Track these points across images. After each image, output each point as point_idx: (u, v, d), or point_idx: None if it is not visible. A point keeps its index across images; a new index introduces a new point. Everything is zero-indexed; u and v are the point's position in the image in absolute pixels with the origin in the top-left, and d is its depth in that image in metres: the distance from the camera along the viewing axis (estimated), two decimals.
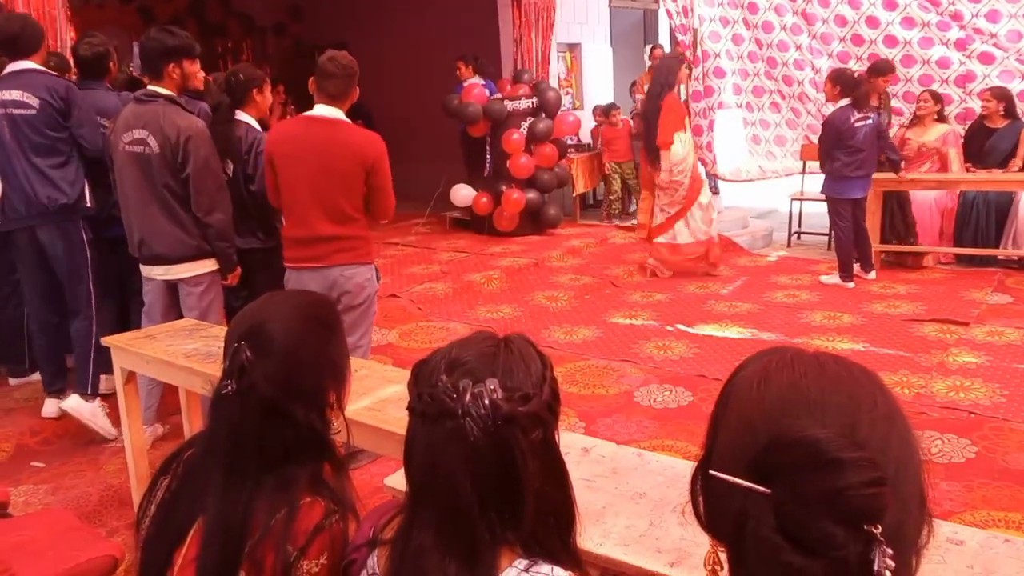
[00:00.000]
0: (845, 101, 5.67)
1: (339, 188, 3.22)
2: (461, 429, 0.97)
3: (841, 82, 5.72)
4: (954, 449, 3.36)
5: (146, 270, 3.55)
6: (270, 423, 1.27)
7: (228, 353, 1.31)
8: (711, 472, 0.77)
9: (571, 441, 2.08)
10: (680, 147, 6.10)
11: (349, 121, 3.29)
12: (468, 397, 0.98)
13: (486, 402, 0.98)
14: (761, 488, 0.71)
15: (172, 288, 3.57)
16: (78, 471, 3.61)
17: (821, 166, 6.00)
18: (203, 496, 1.26)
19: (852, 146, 5.62)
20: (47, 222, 3.79)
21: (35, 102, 3.67)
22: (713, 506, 0.79)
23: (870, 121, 5.63)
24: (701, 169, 6.98)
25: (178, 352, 2.80)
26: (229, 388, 1.28)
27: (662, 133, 6.01)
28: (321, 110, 3.25)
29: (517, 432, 0.99)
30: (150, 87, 3.39)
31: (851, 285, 5.92)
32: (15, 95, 3.66)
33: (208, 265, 3.53)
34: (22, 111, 3.67)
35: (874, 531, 0.67)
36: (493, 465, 0.98)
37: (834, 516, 0.68)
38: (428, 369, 1.05)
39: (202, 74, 3.75)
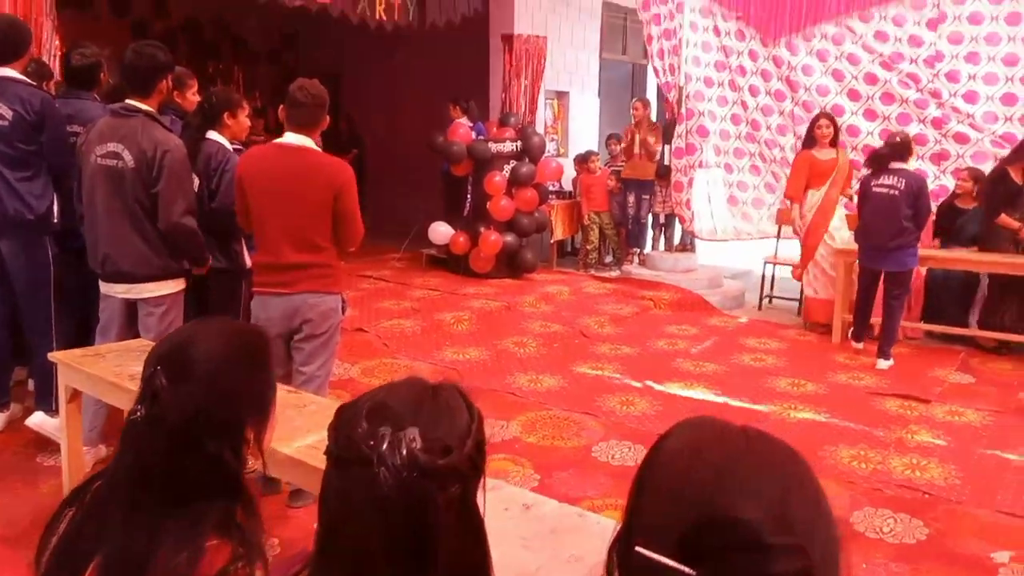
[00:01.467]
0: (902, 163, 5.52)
1: (307, 215, 3.20)
2: (375, 478, 0.92)
3: (900, 148, 5.58)
4: (906, 530, 3.33)
5: (105, 287, 3.48)
6: (180, 455, 1.18)
7: (144, 376, 1.23)
8: (637, 548, 0.74)
9: (513, 496, 2.04)
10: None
11: (318, 149, 3.28)
12: (385, 445, 0.93)
13: (403, 452, 0.93)
14: (687, 569, 0.69)
15: (131, 307, 3.50)
16: (12, 490, 3.49)
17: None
18: (105, 531, 1.18)
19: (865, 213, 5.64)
20: (11, 235, 3.72)
21: (8, 113, 3.61)
22: None
23: (894, 192, 5.40)
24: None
25: (125, 373, 2.73)
26: (139, 414, 1.19)
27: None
28: (290, 138, 3.23)
29: (433, 486, 0.94)
30: (129, 101, 3.34)
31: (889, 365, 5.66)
32: None
33: (171, 286, 3.48)
34: None
35: None
36: (405, 519, 0.93)
37: None
38: (350, 413, 0.99)
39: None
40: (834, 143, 6.56)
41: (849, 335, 6.08)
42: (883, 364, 5.62)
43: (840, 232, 6.52)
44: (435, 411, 0.99)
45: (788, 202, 6.91)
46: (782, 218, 7.51)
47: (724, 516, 0.70)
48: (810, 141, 6.59)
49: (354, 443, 0.95)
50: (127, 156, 3.26)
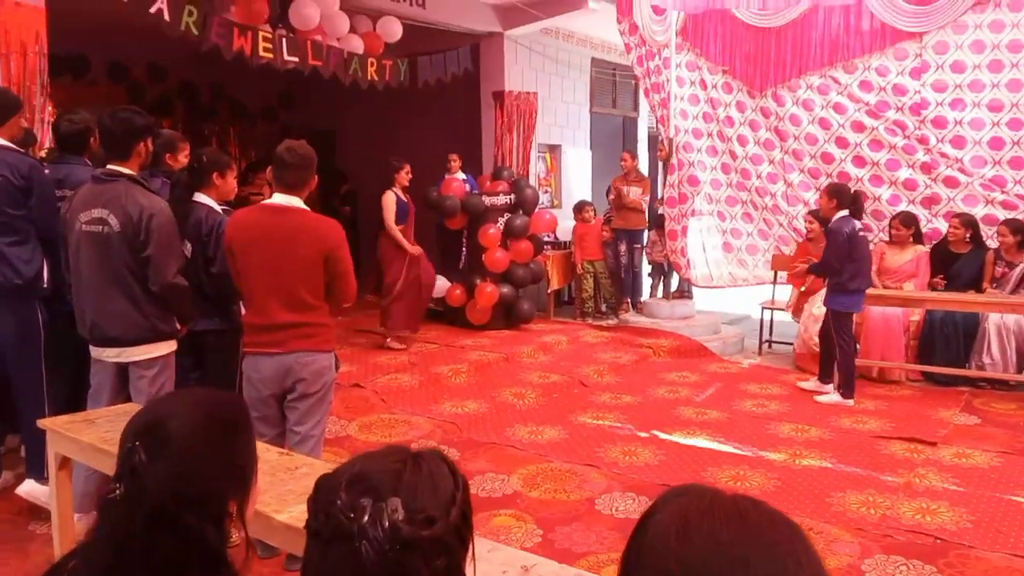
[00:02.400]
0: (843, 213, 5.57)
1: (297, 276, 3.18)
2: (356, 552, 0.89)
3: (838, 195, 5.63)
4: None
5: (96, 351, 3.43)
6: (159, 532, 1.13)
7: (121, 453, 1.19)
8: None
9: (513, 558, 1.97)
10: None
11: (307, 208, 3.27)
12: (366, 517, 0.90)
13: (385, 523, 0.89)
14: None
15: (123, 370, 3.45)
16: (3, 560, 3.39)
17: (818, 272, 5.87)
18: None
19: (860, 257, 5.56)
20: (1, 300, 3.69)
21: None
22: None
23: (867, 234, 5.62)
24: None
25: (115, 440, 2.67)
26: (117, 492, 1.15)
27: None
28: (279, 199, 3.23)
29: (418, 559, 0.90)
30: (110, 166, 3.32)
31: (851, 403, 5.71)
32: None
33: (162, 348, 3.42)
34: None
35: None
36: None
37: None
38: (329, 484, 0.96)
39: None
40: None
41: (842, 393, 5.80)
42: (831, 398, 5.82)
43: None
44: (418, 480, 0.96)
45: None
46: (778, 263, 7.53)
47: None
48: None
49: (333, 516, 0.92)
50: (112, 221, 3.23)
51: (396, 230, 6.82)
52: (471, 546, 1.01)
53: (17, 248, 3.67)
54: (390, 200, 6.79)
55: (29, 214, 3.70)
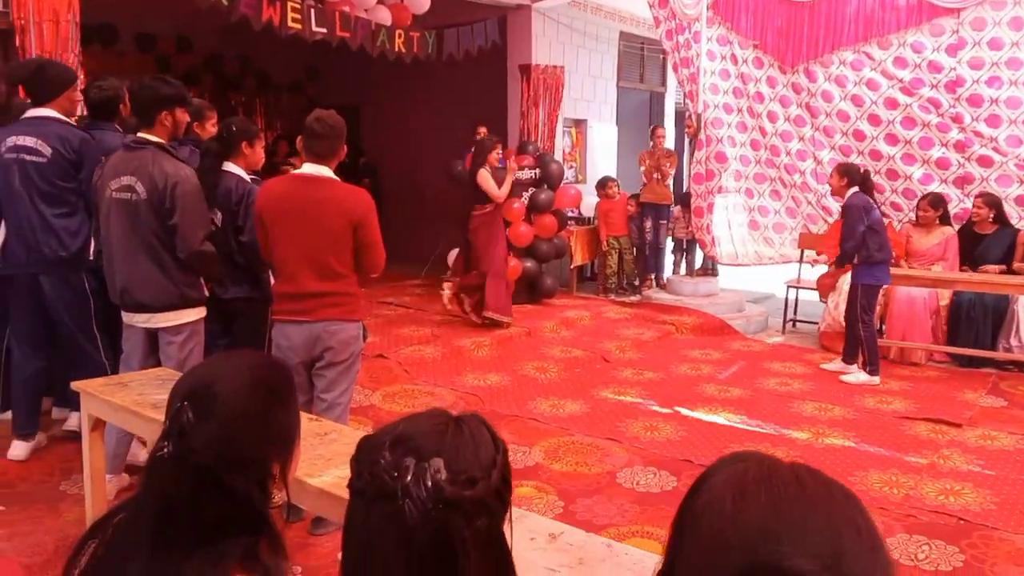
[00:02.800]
0: (854, 190, 5.62)
1: (327, 245, 3.20)
2: (399, 511, 0.90)
3: (848, 175, 5.70)
4: (941, 556, 3.24)
5: (127, 317, 3.49)
6: (205, 492, 1.16)
7: (170, 413, 1.22)
8: None
9: (539, 525, 2.00)
10: None
11: (336, 178, 3.29)
12: (409, 477, 0.91)
13: (428, 483, 0.90)
14: None
15: (152, 336, 3.51)
16: (36, 518, 3.48)
17: (847, 256, 5.72)
18: (128, 565, 1.16)
19: (879, 228, 5.58)
20: (49, 271, 3.76)
21: (47, 151, 3.66)
22: None
23: (898, 213, 5.63)
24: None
25: (147, 402, 2.73)
26: (165, 450, 1.18)
27: None
28: (309, 168, 3.26)
29: (459, 518, 0.91)
30: (140, 134, 3.37)
31: (877, 380, 5.69)
32: (28, 142, 3.66)
33: (190, 315, 3.47)
34: (34, 158, 3.65)
35: None
36: (431, 553, 0.90)
37: None
38: (372, 445, 0.97)
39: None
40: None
41: (868, 370, 5.77)
42: (857, 377, 5.78)
43: None
44: (460, 442, 0.97)
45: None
46: (805, 242, 7.46)
47: (775, 564, 0.65)
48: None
49: (377, 476, 0.93)
50: (140, 188, 3.27)
51: (503, 199, 6.74)
52: (510, 509, 1.01)
53: (65, 220, 3.74)
54: (487, 178, 6.66)
55: (79, 187, 3.75)
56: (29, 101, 3.82)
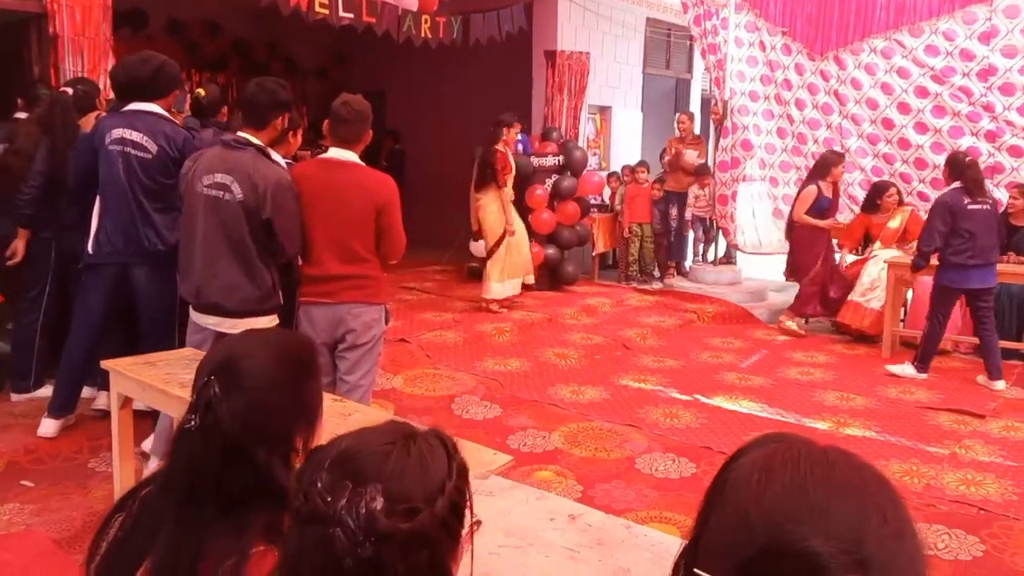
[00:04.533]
0: (954, 184, 5.40)
1: (351, 228, 3.24)
2: (328, 539, 0.83)
3: (949, 165, 5.50)
4: (961, 546, 3.23)
5: (197, 316, 3.37)
6: (231, 464, 1.19)
7: (197, 386, 1.25)
8: (696, 571, 0.71)
9: (559, 506, 2.03)
10: None
11: (362, 163, 3.32)
12: (343, 502, 0.83)
13: (362, 511, 0.83)
14: None
15: (220, 339, 3.32)
16: (65, 494, 3.57)
17: (921, 258, 5.60)
18: (155, 536, 1.20)
19: (967, 231, 5.28)
20: (144, 263, 3.79)
21: (153, 147, 3.68)
22: None
23: (987, 207, 5.35)
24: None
25: (175, 381, 2.78)
26: (193, 423, 1.21)
27: None
28: (335, 153, 3.29)
29: (394, 552, 0.83)
30: (241, 134, 3.26)
31: (924, 377, 5.59)
32: (136, 136, 3.68)
33: (263, 322, 3.30)
34: (140, 153, 3.68)
35: None
36: None
37: None
38: (316, 460, 0.91)
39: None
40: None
41: (916, 365, 5.65)
42: (1001, 384, 5.42)
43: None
44: (405, 465, 0.89)
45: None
46: (832, 233, 7.38)
47: (791, 545, 0.65)
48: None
49: (311, 497, 0.86)
50: (236, 188, 3.15)
51: (807, 219, 6.80)
52: (462, 540, 0.94)
53: (165, 215, 3.76)
54: (809, 194, 6.80)
55: (177, 184, 3.80)
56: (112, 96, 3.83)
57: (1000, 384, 5.38)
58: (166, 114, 3.80)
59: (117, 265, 3.80)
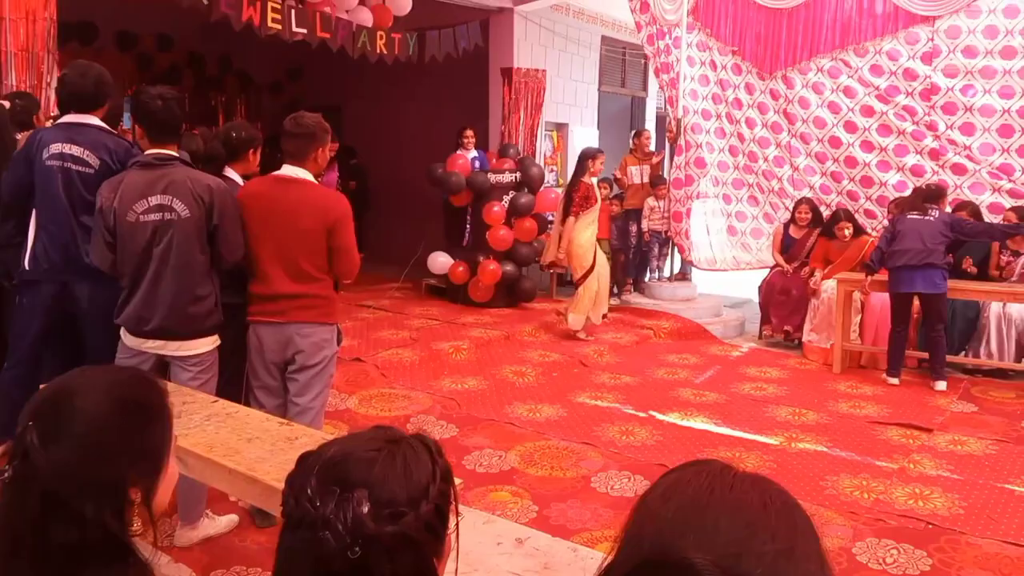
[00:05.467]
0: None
1: (301, 247, 3.20)
2: (318, 542, 0.87)
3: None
4: (909, 560, 3.28)
5: (134, 341, 3.24)
6: (53, 520, 1.04)
7: (16, 432, 1.09)
8: None
9: (506, 530, 2.01)
10: None
11: (313, 181, 3.28)
12: (331, 507, 0.88)
13: (349, 516, 0.87)
14: None
15: (163, 365, 3.26)
16: None
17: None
18: None
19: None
20: (85, 279, 3.66)
21: (95, 162, 3.55)
22: None
23: (929, 218, 5.75)
24: None
25: None
26: (6, 475, 1.06)
27: None
28: (286, 170, 3.25)
29: (380, 555, 0.87)
30: (162, 150, 3.16)
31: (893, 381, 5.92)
32: (76, 151, 3.54)
33: (207, 343, 3.23)
34: (81, 168, 3.53)
35: None
36: None
37: None
38: (305, 466, 0.94)
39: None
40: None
41: (887, 373, 5.98)
42: (942, 385, 5.77)
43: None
44: (390, 470, 0.93)
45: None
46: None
47: (670, 556, 0.67)
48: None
49: (301, 502, 0.90)
50: (179, 206, 3.06)
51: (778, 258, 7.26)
52: (448, 541, 0.98)
53: None
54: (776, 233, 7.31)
55: None
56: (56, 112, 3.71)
57: (941, 384, 5.79)
58: (106, 126, 3.69)
59: (56, 283, 3.68)
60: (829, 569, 0.72)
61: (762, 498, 0.74)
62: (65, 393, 1.13)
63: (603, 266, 6.92)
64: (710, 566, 0.65)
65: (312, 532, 0.88)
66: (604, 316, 7.10)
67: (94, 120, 3.64)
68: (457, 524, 1.00)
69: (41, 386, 1.23)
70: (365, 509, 0.88)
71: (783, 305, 7.13)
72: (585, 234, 6.70)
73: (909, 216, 5.81)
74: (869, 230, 7.08)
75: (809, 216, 7.12)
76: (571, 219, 6.63)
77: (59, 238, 3.62)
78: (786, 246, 7.27)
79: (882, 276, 5.98)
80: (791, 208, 7.46)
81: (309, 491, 0.90)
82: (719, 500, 0.73)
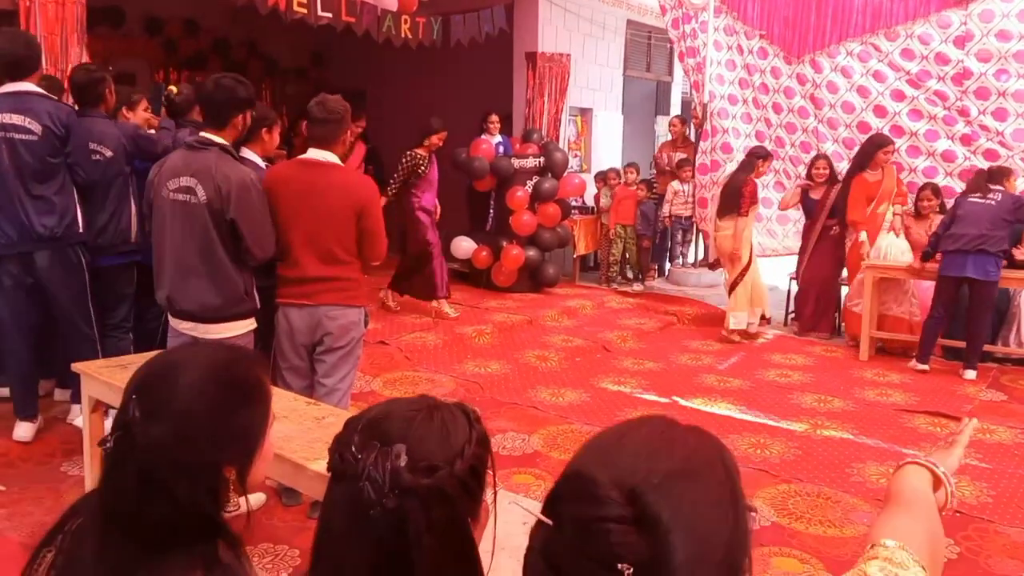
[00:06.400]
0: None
1: (329, 230, 3.21)
2: (359, 493, 0.92)
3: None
4: None
5: (173, 322, 3.29)
6: (147, 496, 1.05)
7: (121, 403, 1.10)
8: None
9: (532, 510, 2.01)
10: None
11: (341, 164, 3.29)
12: (370, 460, 0.93)
13: (387, 467, 0.92)
14: (545, 518, 0.76)
15: None
16: (37, 498, 3.51)
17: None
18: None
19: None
20: (44, 248, 3.75)
21: (37, 128, 3.63)
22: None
23: (990, 202, 5.55)
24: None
25: None
26: (108, 445, 1.07)
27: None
28: (313, 153, 3.26)
29: (416, 506, 0.92)
30: (203, 134, 3.17)
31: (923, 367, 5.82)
32: (15, 119, 3.60)
33: (239, 327, 3.23)
34: (23, 136, 3.61)
35: (626, 570, 0.69)
36: (387, 536, 0.92)
37: (588, 549, 0.71)
38: (350, 426, 0.99)
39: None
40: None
41: (916, 359, 5.88)
42: (972, 374, 5.68)
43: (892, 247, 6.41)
44: (427, 429, 0.97)
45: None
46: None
47: (577, 472, 0.76)
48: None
49: (345, 457, 0.95)
50: (200, 191, 3.06)
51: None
52: (483, 503, 1.01)
53: (56, 196, 3.74)
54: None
55: (65, 161, 3.75)
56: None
57: (971, 374, 5.67)
58: (43, 91, 3.71)
59: (18, 256, 3.74)
60: (741, 508, 0.78)
61: (678, 435, 0.81)
62: (169, 369, 1.13)
63: (756, 263, 6.91)
64: (607, 482, 0.73)
65: (353, 484, 0.93)
66: (765, 319, 7.01)
67: (31, 87, 3.67)
68: (495, 494, 1.02)
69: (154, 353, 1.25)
70: (402, 462, 0.92)
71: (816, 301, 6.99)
72: (745, 232, 6.73)
73: (970, 199, 5.61)
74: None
75: (827, 173, 6.88)
76: (743, 218, 6.62)
77: (11, 211, 3.67)
78: (807, 209, 7.03)
79: (881, 262, 5.95)
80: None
81: (352, 447, 0.95)
82: (635, 433, 0.80)
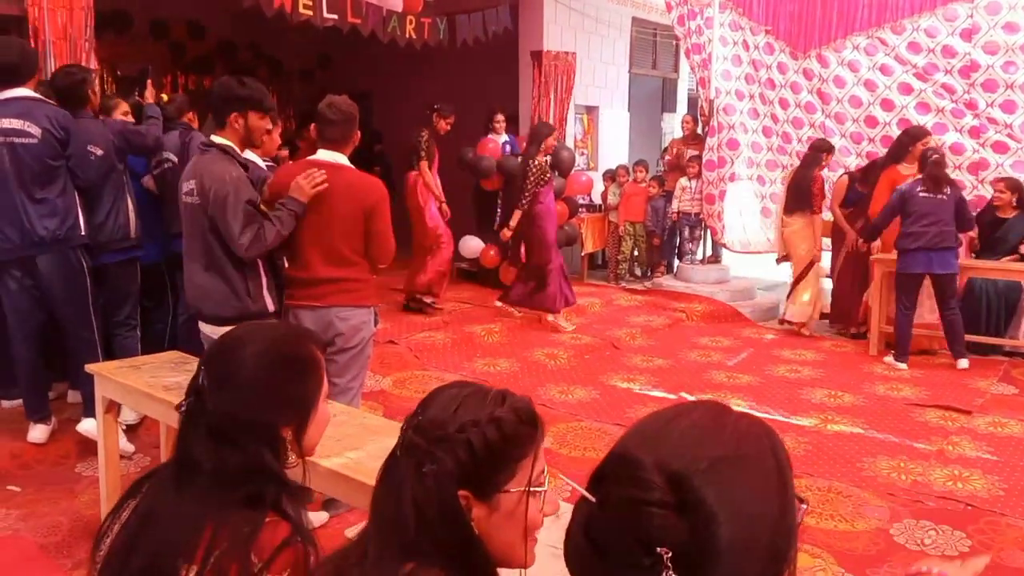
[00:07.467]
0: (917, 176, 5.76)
1: (338, 231, 3.23)
2: (394, 450, 1.09)
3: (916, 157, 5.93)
4: (948, 542, 3.25)
5: (201, 325, 3.31)
6: (220, 450, 1.27)
7: (195, 372, 1.34)
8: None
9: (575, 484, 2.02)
10: None
11: (350, 165, 3.30)
12: (406, 422, 1.09)
13: (407, 428, 1.08)
14: (588, 494, 0.78)
15: None
16: (52, 499, 3.55)
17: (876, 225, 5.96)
18: (162, 512, 1.27)
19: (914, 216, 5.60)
20: (46, 251, 3.77)
21: (37, 131, 3.65)
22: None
23: (942, 197, 5.58)
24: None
25: (159, 384, 2.77)
26: (183, 408, 1.31)
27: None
28: (322, 155, 3.28)
29: (410, 460, 1.04)
30: (211, 137, 3.21)
31: (904, 366, 5.80)
32: (15, 123, 3.64)
33: None
34: (23, 140, 3.64)
35: (663, 553, 0.70)
36: (398, 486, 1.05)
37: (628, 529, 0.72)
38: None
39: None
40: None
41: (895, 357, 5.86)
42: (964, 363, 5.71)
43: None
44: (445, 401, 1.08)
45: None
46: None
47: (623, 454, 0.78)
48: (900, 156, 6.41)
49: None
50: (196, 193, 3.11)
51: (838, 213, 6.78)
52: (498, 499, 1.08)
53: (58, 199, 3.76)
54: (840, 185, 6.79)
55: (64, 165, 3.77)
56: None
57: (964, 363, 5.72)
58: (39, 96, 3.74)
59: (21, 260, 3.77)
60: (789, 498, 0.78)
61: (729, 421, 0.81)
62: (235, 343, 1.35)
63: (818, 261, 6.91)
64: (651, 465, 0.74)
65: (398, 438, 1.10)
66: (824, 315, 7.01)
67: (27, 92, 3.71)
68: (527, 493, 1.10)
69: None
70: (416, 422, 1.07)
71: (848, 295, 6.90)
72: (808, 230, 6.73)
73: (921, 195, 5.60)
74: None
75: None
76: (816, 215, 6.64)
77: (12, 215, 3.69)
78: (850, 201, 6.74)
79: (888, 255, 5.94)
80: (830, 189, 7.24)
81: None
82: (685, 417, 0.81)
